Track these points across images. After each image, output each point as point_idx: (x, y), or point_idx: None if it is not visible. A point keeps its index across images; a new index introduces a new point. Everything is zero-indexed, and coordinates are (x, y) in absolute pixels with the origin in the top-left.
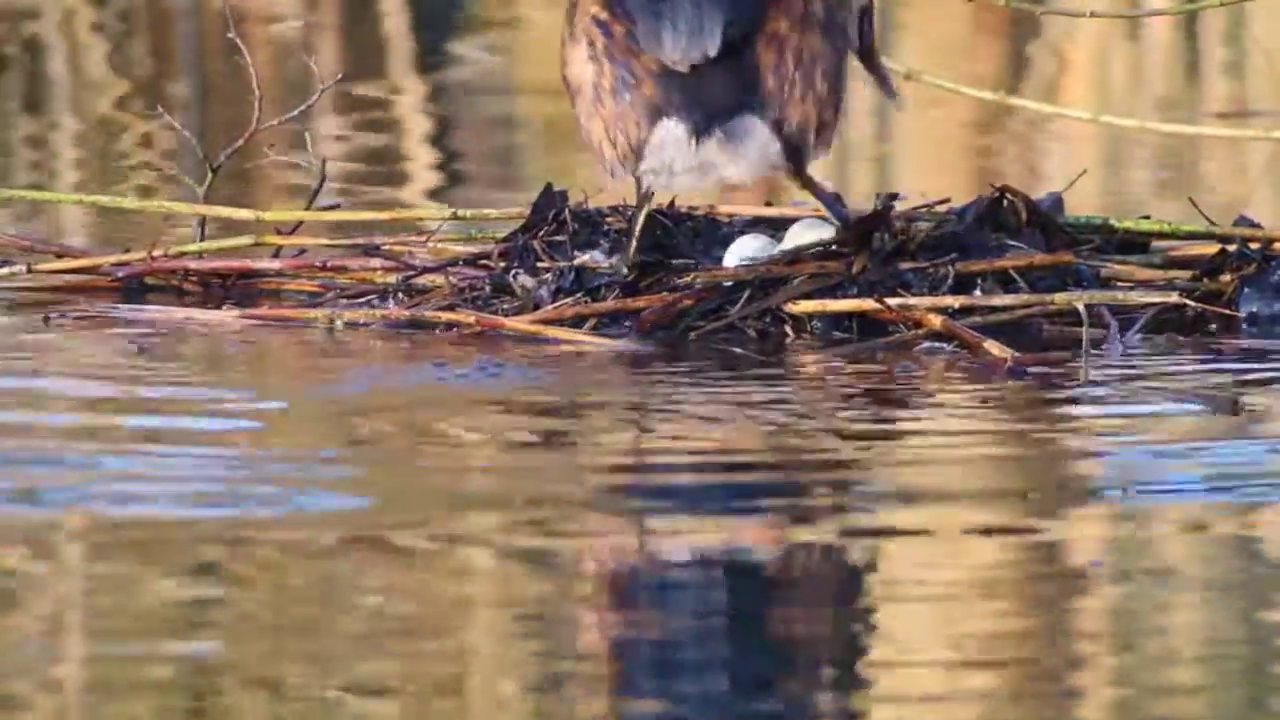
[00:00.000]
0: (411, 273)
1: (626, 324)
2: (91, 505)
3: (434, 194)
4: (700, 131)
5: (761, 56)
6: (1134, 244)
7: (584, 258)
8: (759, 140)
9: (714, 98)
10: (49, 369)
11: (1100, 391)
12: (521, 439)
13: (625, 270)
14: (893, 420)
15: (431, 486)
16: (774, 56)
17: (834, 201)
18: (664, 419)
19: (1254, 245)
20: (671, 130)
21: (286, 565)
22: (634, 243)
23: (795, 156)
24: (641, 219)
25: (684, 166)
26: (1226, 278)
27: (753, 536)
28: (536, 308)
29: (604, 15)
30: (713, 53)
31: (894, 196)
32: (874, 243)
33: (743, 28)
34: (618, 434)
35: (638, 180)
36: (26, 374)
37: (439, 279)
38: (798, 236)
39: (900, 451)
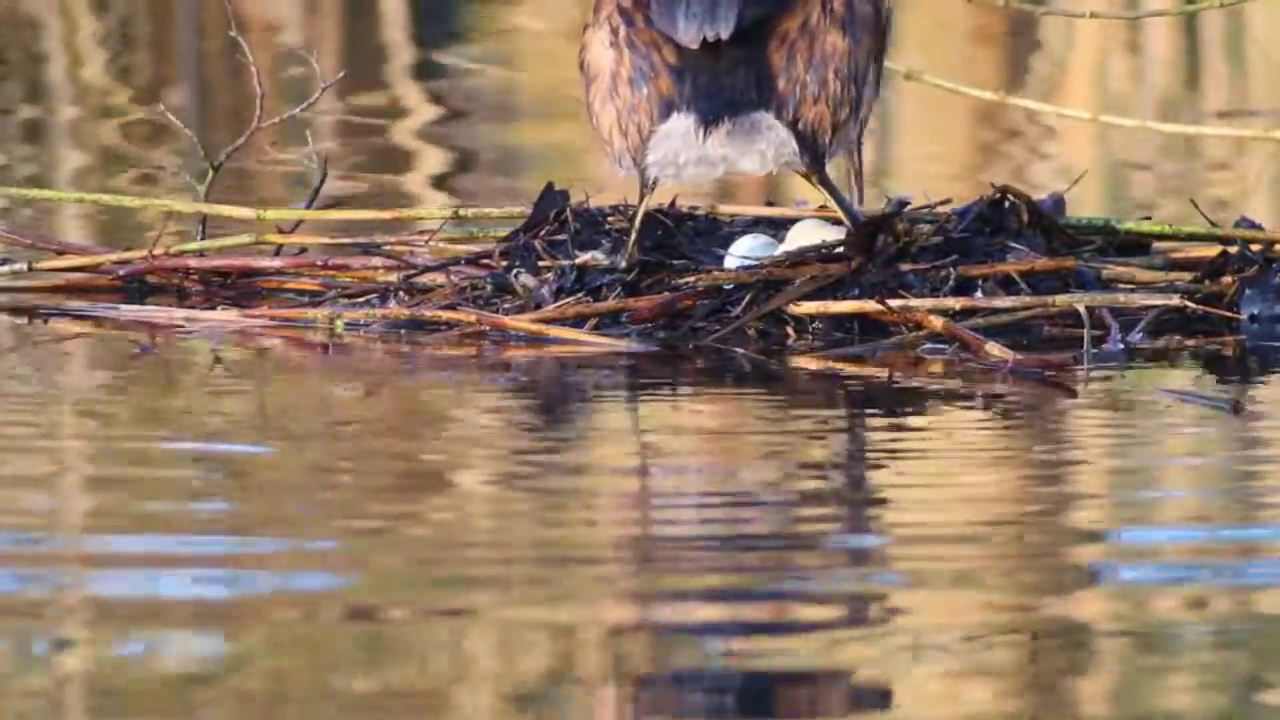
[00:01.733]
0: (413, 272)
1: (625, 317)
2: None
3: (437, 185)
4: (708, 124)
5: (774, 55)
6: (1135, 245)
7: (585, 257)
8: (772, 137)
9: (726, 93)
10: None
11: (1101, 393)
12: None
13: (624, 264)
14: (892, 430)
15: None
16: (786, 55)
17: (850, 204)
18: (661, 435)
19: (1255, 247)
20: (680, 123)
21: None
22: (634, 237)
23: (813, 155)
24: (642, 213)
25: (690, 159)
26: (1228, 280)
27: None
28: (538, 307)
29: (628, 3)
30: (725, 34)
31: (904, 203)
32: (877, 245)
33: (757, 13)
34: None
35: (643, 172)
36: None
37: (440, 278)
38: (799, 237)
39: (897, 468)
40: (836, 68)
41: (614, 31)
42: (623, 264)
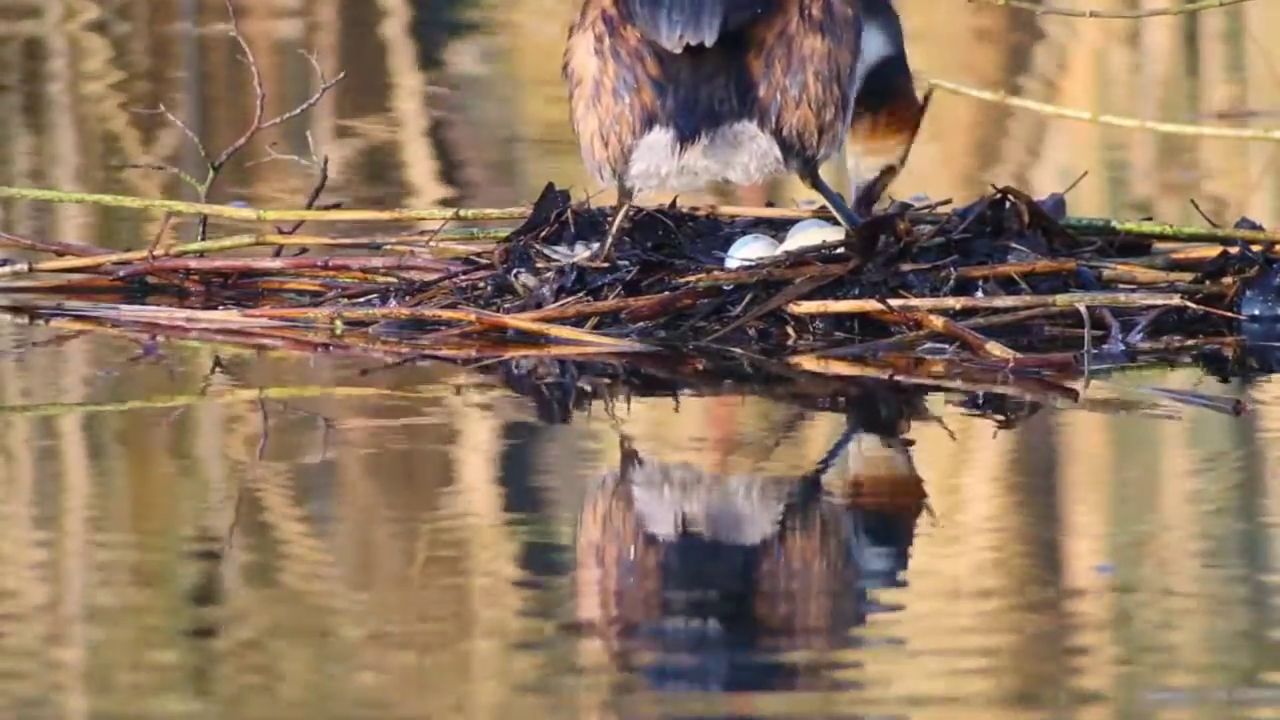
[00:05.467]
0: (413, 271)
1: (625, 314)
2: None
3: (437, 191)
4: (684, 140)
5: (753, 63)
6: (1136, 246)
7: (582, 253)
8: (754, 148)
9: (705, 105)
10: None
11: (1101, 393)
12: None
13: (599, 262)
14: (891, 436)
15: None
16: (764, 62)
17: (844, 204)
18: (658, 441)
19: (1256, 247)
20: (659, 136)
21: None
22: (609, 239)
23: (800, 159)
24: (619, 219)
25: (671, 171)
26: (1228, 280)
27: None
28: (538, 306)
29: (613, 12)
30: (709, 41)
31: (907, 206)
32: (879, 245)
33: (741, 19)
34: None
35: (622, 182)
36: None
37: (440, 277)
38: (799, 238)
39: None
40: (816, 70)
41: (599, 39)
42: (598, 261)
